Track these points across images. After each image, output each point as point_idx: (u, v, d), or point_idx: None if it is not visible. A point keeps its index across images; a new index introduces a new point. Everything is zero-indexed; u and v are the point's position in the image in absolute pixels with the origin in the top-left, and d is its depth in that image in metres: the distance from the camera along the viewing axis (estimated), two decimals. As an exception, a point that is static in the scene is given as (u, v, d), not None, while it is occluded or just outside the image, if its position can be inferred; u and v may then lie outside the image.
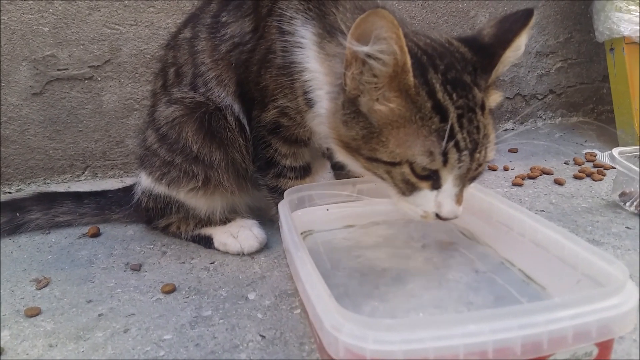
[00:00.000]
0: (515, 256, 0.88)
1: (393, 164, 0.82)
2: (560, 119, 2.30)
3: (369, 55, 0.77)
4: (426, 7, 1.99)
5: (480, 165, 0.84)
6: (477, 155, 0.81)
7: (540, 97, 2.25)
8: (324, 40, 0.94)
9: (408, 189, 0.83)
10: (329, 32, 0.93)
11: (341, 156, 0.91)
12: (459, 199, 0.83)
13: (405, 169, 0.81)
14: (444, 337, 0.54)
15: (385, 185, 0.87)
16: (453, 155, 0.78)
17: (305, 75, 0.95)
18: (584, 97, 2.33)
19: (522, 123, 2.24)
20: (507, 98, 2.19)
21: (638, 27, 1.80)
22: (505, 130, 2.20)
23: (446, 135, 0.77)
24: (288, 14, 0.98)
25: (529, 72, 2.20)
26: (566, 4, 2.19)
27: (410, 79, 0.78)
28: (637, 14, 1.81)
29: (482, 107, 0.82)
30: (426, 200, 0.83)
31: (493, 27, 0.89)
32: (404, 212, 0.87)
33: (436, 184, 0.82)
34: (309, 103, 0.97)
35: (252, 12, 1.05)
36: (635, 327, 0.80)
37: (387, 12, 0.73)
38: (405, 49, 0.75)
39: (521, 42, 0.87)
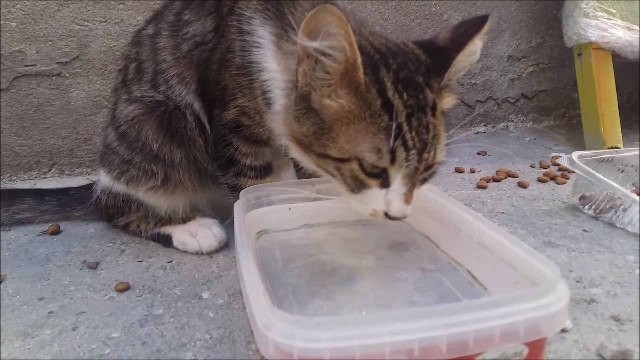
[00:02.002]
0: (463, 257, 0.89)
1: (342, 160, 0.82)
2: (531, 122, 2.33)
3: (319, 51, 0.78)
4: (399, 9, 2.01)
5: (430, 166, 0.85)
6: (426, 155, 0.82)
7: (512, 100, 2.28)
8: (281, 40, 0.94)
9: (357, 186, 0.84)
10: (286, 31, 0.94)
11: (294, 153, 0.92)
12: (407, 199, 0.83)
13: (354, 166, 0.82)
14: (371, 335, 0.55)
15: (336, 183, 0.88)
16: (401, 154, 0.79)
17: (264, 75, 0.96)
18: (555, 102, 2.36)
19: (493, 126, 2.27)
20: (479, 101, 2.22)
21: (605, 33, 1.84)
22: (477, 133, 2.23)
23: (393, 133, 0.78)
24: (247, 14, 0.98)
25: (501, 76, 2.23)
26: (539, 9, 2.22)
27: (361, 76, 0.79)
28: (605, 19, 1.85)
29: (433, 108, 0.83)
30: (375, 198, 0.84)
31: (449, 32, 0.90)
32: (354, 209, 0.88)
33: (385, 183, 0.82)
34: (268, 103, 0.97)
35: (213, 11, 1.06)
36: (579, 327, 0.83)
37: (335, 8, 0.73)
38: (355, 45, 0.76)
39: (475, 47, 0.88)
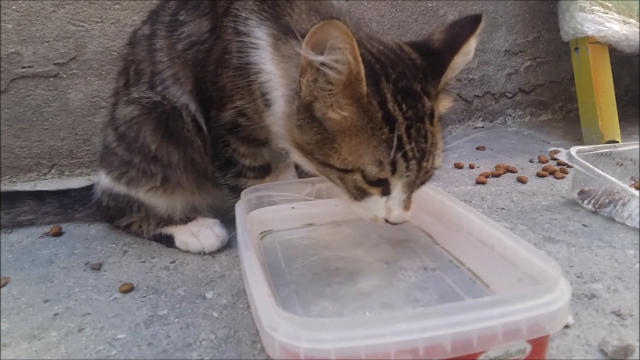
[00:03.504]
0: (464, 255, 0.90)
1: (345, 171, 0.84)
2: (529, 117, 2.34)
3: (323, 64, 0.79)
4: (396, 5, 2.01)
5: (427, 172, 0.87)
6: (425, 163, 0.84)
7: (509, 95, 2.29)
8: (279, 42, 0.94)
9: (360, 194, 0.86)
10: (284, 33, 0.94)
11: (296, 157, 0.93)
12: (406, 205, 0.86)
13: (357, 177, 0.83)
14: (376, 336, 0.56)
15: (337, 190, 0.89)
16: (401, 165, 0.81)
17: (262, 77, 0.96)
18: (553, 96, 2.37)
19: (491, 121, 2.28)
20: (477, 96, 2.22)
21: (601, 27, 1.84)
22: (475, 128, 2.23)
23: (394, 146, 0.79)
24: (243, 15, 0.98)
25: (498, 70, 2.24)
26: (535, 3, 2.22)
27: (364, 87, 0.79)
28: (601, 13, 1.85)
29: (431, 116, 0.85)
30: (376, 205, 0.86)
31: (442, 33, 0.91)
32: (355, 214, 0.89)
33: (385, 191, 0.84)
34: (267, 104, 0.97)
35: (209, 11, 1.05)
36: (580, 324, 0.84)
37: (341, 23, 0.74)
38: (359, 58, 0.77)
39: (470, 47, 0.89)
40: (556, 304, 0.62)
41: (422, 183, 0.89)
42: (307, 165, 0.92)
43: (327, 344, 0.55)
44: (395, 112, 0.80)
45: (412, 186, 0.84)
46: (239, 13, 0.97)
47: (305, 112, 0.84)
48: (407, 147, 0.80)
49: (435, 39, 0.90)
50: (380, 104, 0.80)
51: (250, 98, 1.00)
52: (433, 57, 0.87)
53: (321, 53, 0.77)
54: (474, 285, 0.83)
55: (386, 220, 0.85)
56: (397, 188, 0.83)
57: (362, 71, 0.78)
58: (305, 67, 0.81)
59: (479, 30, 0.87)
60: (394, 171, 0.81)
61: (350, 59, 0.76)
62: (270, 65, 0.94)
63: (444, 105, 0.90)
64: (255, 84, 0.97)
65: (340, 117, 0.81)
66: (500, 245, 0.80)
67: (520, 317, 0.60)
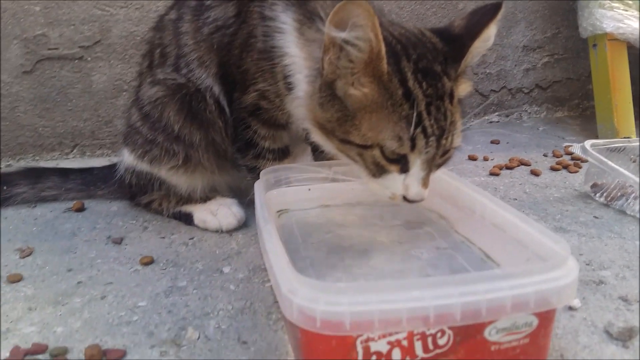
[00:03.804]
0: (476, 236, 0.92)
1: (365, 147, 0.86)
2: (545, 113, 2.34)
3: (345, 41, 0.81)
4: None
5: (447, 151, 0.89)
6: (444, 141, 0.85)
7: (526, 90, 2.29)
8: (303, 26, 0.97)
9: (378, 171, 0.87)
10: (308, 18, 0.97)
11: (316, 137, 0.95)
12: (425, 183, 0.87)
13: (376, 152, 0.85)
14: (389, 301, 0.58)
15: (356, 167, 0.91)
16: (420, 141, 0.83)
17: (286, 60, 0.99)
18: (570, 92, 2.37)
19: (507, 116, 2.28)
20: (493, 91, 2.23)
21: (620, 24, 1.84)
22: (491, 122, 2.24)
23: (413, 122, 0.81)
24: (269, 0, 1.01)
25: (515, 65, 2.24)
26: (554, -1, 2.22)
27: (384, 65, 0.82)
28: (620, 10, 1.85)
29: (451, 96, 0.87)
30: (394, 182, 0.87)
31: (464, 20, 0.93)
32: (374, 192, 0.92)
33: (404, 168, 0.86)
34: (289, 87, 1.00)
35: None
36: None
37: (364, 2, 0.76)
38: (381, 36, 0.79)
39: (490, 34, 0.91)
40: (563, 279, 0.64)
41: (441, 164, 0.90)
42: (327, 145, 0.94)
43: (343, 307, 0.58)
44: (415, 90, 0.82)
45: (430, 164, 0.86)
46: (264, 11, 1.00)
47: (327, 90, 0.87)
48: (427, 123, 0.82)
49: (456, 25, 0.92)
50: (400, 82, 0.83)
51: (272, 81, 1.03)
52: (454, 42, 0.90)
53: (343, 30, 0.79)
54: (485, 264, 0.85)
55: (404, 198, 0.87)
56: (416, 165, 0.85)
57: (383, 49, 0.80)
58: (328, 46, 0.83)
59: (499, 17, 0.89)
60: (413, 147, 0.83)
61: (371, 36, 0.78)
62: (294, 49, 0.97)
63: (464, 88, 0.92)
64: (279, 67, 1.00)
65: (361, 94, 0.84)
66: (513, 227, 0.82)
67: (528, 290, 0.62)
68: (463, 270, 0.83)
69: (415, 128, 0.81)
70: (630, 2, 1.87)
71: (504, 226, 0.85)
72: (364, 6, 0.76)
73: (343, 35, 0.80)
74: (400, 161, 0.85)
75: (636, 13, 1.85)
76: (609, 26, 1.84)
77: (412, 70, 0.84)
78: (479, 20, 0.90)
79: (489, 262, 0.86)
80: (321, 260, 0.88)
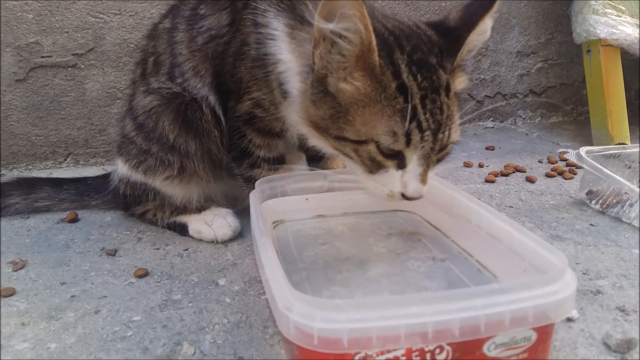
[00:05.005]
0: (473, 247, 0.92)
1: (360, 142, 0.84)
2: (539, 118, 2.35)
3: (335, 33, 0.80)
4: (409, 4, 2.03)
5: (445, 146, 0.87)
6: (440, 135, 0.84)
7: (520, 96, 2.30)
8: (295, 30, 0.96)
9: (375, 167, 0.86)
10: (299, 20, 0.96)
11: (312, 138, 0.94)
12: (423, 179, 0.86)
13: (371, 147, 0.84)
14: (387, 318, 0.58)
15: (353, 165, 0.90)
16: (416, 136, 0.81)
17: (279, 67, 0.98)
18: (564, 98, 2.37)
19: (502, 122, 2.29)
20: (488, 96, 2.24)
21: (614, 30, 1.85)
22: (485, 128, 2.24)
23: (408, 116, 0.80)
24: (262, 7, 1.00)
25: (509, 71, 2.25)
26: (548, 5, 2.23)
27: (376, 58, 0.81)
28: (613, 16, 1.86)
29: (447, 89, 0.85)
30: (392, 179, 0.86)
31: (459, 12, 0.92)
32: (371, 191, 0.90)
33: (401, 164, 0.85)
34: (284, 94, 0.99)
35: (229, 6, 1.08)
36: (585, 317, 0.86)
37: None
38: (370, 27, 0.78)
39: (486, 26, 0.89)
40: (562, 293, 0.64)
41: (439, 160, 0.89)
42: (323, 145, 0.93)
43: (340, 324, 0.57)
44: (409, 82, 0.81)
45: (428, 160, 0.84)
46: (257, 5, 1.00)
47: (319, 87, 0.86)
48: (422, 117, 0.81)
49: (452, 17, 0.91)
50: (394, 75, 0.81)
51: (267, 89, 1.02)
52: (449, 34, 0.88)
53: (332, 21, 0.79)
54: (482, 276, 0.85)
55: (403, 196, 0.85)
56: (413, 161, 0.83)
57: (374, 41, 0.79)
58: (319, 39, 0.83)
59: (495, 8, 0.87)
60: (408, 142, 0.81)
61: (360, 27, 0.77)
62: (287, 55, 0.96)
63: (460, 82, 0.90)
64: (273, 75, 0.99)
65: (353, 88, 0.82)
66: (509, 237, 0.82)
67: (527, 305, 0.62)
68: (460, 282, 0.83)
69: (410, 122, 0.80)
70: (622, 7, 1.88)
71: (499, 236, 0.85)
72: None
73: (331, 26, 0.79)
74: (397, 157, 0.84)
75: (629, 19, 1.86)
76: (602, 32, 1.85)
77: (406, 62, 0.82)
78: (474, 12, 0.89)
79: (486, 273, 0.85)
80: (318, 274, 0.87)
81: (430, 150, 0.84)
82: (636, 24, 1.86)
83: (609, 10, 1.86)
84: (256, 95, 1.04)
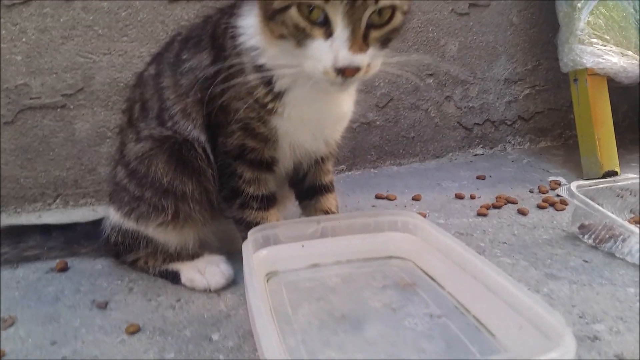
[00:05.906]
0: (469, 300, 0.91)
1: (284, 10, 0.82)
2: (528, 144, 2.36)
3: None
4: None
5: (380, 11, 0.80)
6: None
7: (509, 122, 2.31)
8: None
9: (302, 37, 0.82)
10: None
11: (266, 43, 0.94)
12: (353, 45, 0.78)
13: (293, 12, 0.80)
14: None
15: (288, 46, 0.86)
16: None
17: (259, 61, 0.98)
18: (552, 123, 2.39)
19: (491, 148, 2.30)
20: (477, 124, 2.25)
21: (600, 59, 1.87)
22: (475, 155, 2.25)
23: None
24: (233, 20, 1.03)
25: (497, 98, 2.26)
26: (534, 32, 2.25)
27: None
28: (599, 46, 1.88)
29: None
30: (322, 51, 0.81)
31: None
32: (309, 72, 0.85)
33: (328, 31, 0.80)
34: (272, 90, 1.00)
35: (208, 46, 1.09)
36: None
37: None
38: None
39: None
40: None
41: (385, 39, 0.85)
42: (269, 42, 0.92)
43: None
44: None
45: (353, 17, 0.77)
46: (230, 22, 1.02)
47: None
48: None
49: None
50: None
51: (254, 103, 1.02)
52: None
53: None
54: (480, 335, 0.84)
55: (337, 72, 0.79)
56: (338, 23, 0.78)
57: None
58: None
59: None
60: None
61: None
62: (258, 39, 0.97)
63: None
64: (255, 81, 1.00)
65: None
66: (504, 291, 0.81)
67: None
68: (459, 342, 0.82)
69: None
70: (607, 37, 1.90)
71: (495, 289, 0.84)
72: None
73: None
74: (323, 24, 0.80)
75: (614, 48, 1.89)
76: (589, 61, 1.87)
77: None
78: None
79: (484, 330, 0.85)
80: (313, 336, 0.86)
81: (353, 4, 0.76)
82: (621, 53, 1.88)
83: (595, 40, 1.88)
84: (244, 115, 1.03)
